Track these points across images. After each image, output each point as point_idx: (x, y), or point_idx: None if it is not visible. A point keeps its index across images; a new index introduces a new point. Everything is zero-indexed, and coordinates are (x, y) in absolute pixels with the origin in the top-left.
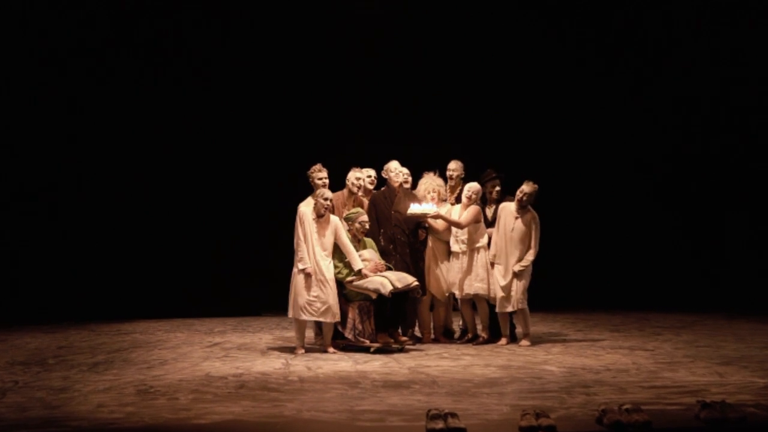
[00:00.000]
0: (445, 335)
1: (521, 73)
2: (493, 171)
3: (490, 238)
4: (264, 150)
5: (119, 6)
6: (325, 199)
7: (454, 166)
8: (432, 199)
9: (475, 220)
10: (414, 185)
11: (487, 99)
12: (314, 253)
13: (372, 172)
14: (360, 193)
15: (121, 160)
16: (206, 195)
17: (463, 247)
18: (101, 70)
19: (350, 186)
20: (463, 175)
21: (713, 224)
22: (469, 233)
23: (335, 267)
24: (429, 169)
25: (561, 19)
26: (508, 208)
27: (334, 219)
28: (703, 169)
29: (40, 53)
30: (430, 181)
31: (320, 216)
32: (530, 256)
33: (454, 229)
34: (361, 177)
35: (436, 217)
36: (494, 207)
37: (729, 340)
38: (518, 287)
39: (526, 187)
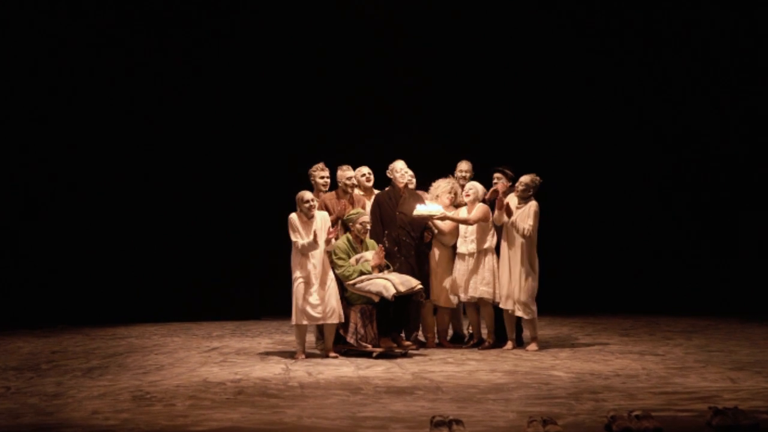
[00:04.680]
0: (456, 340)
1: (530, 74)
2: (505, 166)
3: (498, 239)
4: (264, 152)
5: (120, 3)
6: (306, 201)
7: (466, 167)
8: (450, 200)
9: (484, 218)
10: (417, 186)
11: (495, 100)
12: (314, 254)
13: (366, 170)
14: (358, 191)
15: (116, 161)
16: (205, 197)
17: (471, 247)
18: (99, 70)
19: (342, 186)
20: (473, 177)
21: (727, 226)
22: (478, 233)
23: (340, 259)
24: (435, 169)
25: (571, 18)
26: (511, 201)
27: (323, 216)
28: (717, 170)
29: (38, 52)
30: (446, 184)
31: (309, 218)
32: (521, 226)
33: (462, 230)
34: (351, 176)
35: (443, 218)
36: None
37: (742, 344)
38: (524, 288)
39: (523, 178)
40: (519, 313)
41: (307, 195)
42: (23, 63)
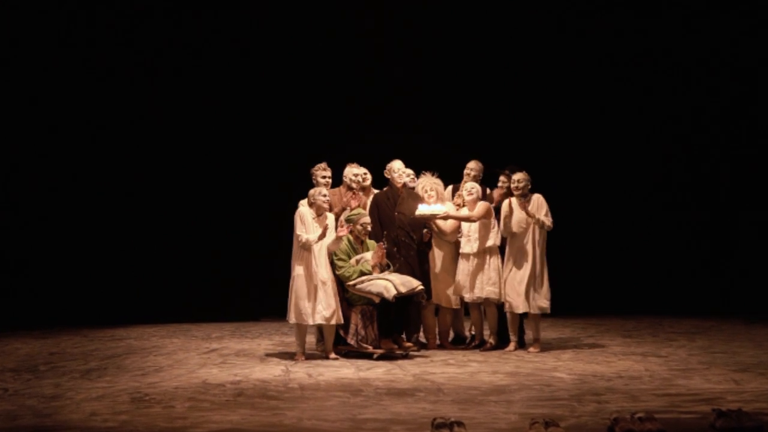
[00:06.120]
0: (457, 341)
1: (531, 74)
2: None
3: (503, 239)
4: (264, 153)
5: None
6: (324, 195)
7: (474, 166)
8: (430, 197)
9: (487, 216)
10: None
11: (497, 100)
12: (314, 254)
13: (362, 170)
14: (356, 190)
15: (114, 161)
16: (204, 197)
17: (476, 246)
18: (99, 69)
19: (348, 182)
20: (480, 177)
21: (729, 226)
22: (480, 231)
23: (341, 260)
24: (436, 169)
25: (572, 18)
26: (514, 202)
27: (332, 215)
28: (719, 170)
29: (38, 52)
30: (427, 181)
31: (320, 215)
32: (547, 221)
33: (465, 230)
34: (359, 173)
35: (446, 217)
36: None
37: (746, 346)
38: (538, 287)
39: (518, 176)
40: (540, 311)
41: (324, 190)
42: (22, 61)
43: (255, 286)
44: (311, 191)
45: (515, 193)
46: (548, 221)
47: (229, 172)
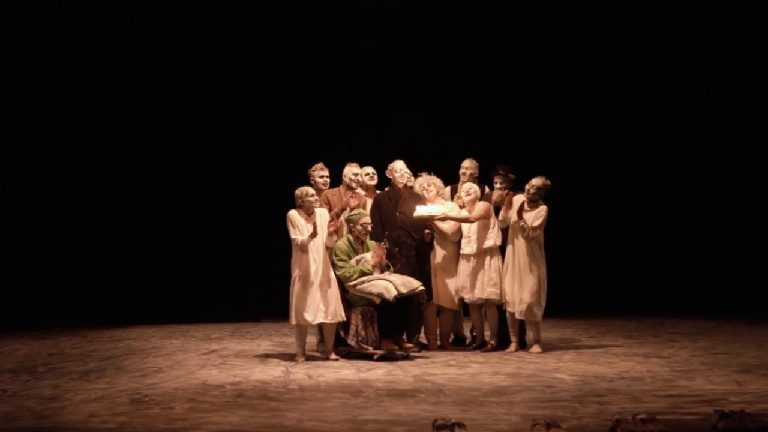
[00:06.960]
0: (457, 342)
1: (531, 74)
2: (503, 167)
3: (504, 237)
4: (263, 153)
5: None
6: (311, 196)
7: (468, 164)
8: (429, 193)
9: (486, 216)
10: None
11: (498, 100)
12: (314, 254)
13: (370, 169)
14: (359, 190)
15: (112, 162)
16: (203, 197)
17: (476, 247)
18: (99, 69)
19: (347, 182)
20: (476, 175)
21: (731, 226)
22: (480, 231)
23: (341, 260)
24: (437, 168)
25: (572, 19)
26: (519, 202)
27: (322, 213)
28: (719, 170)
29: (37, 52)
30: (424, 179)
31: (310, 215)
32: (532, 233)
33: (465, 230)
34: (358, 173)
35: (444, 218)
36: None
37: (748, 347)
38: (531, 293)
39: (534, 181)
40: (522, 317)
41: (310, 190)
42: (21, 61)
43: (255, 286)
44: (297, 193)
45: (525, 195)
46: (533, 234)
47: (229, 172)
